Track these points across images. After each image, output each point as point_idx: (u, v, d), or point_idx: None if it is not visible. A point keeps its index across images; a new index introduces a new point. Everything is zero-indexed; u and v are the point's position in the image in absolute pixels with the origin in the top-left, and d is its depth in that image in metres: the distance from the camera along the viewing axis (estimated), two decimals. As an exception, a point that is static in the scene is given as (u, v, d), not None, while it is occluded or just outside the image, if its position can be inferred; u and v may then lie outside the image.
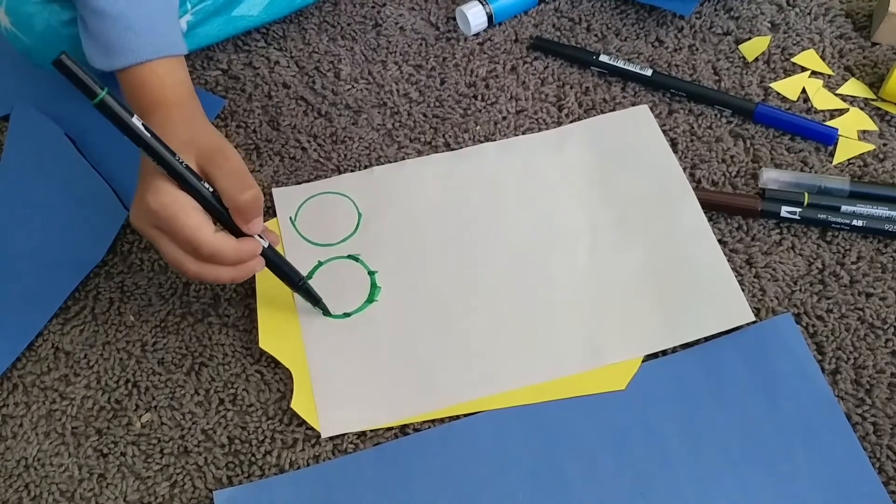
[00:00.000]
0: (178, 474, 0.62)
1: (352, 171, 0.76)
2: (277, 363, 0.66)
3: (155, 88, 0.63)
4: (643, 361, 0.64)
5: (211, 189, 0.57)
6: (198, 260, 0.57)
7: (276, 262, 0.63)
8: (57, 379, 0.67)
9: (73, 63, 0.51)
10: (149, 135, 0.55)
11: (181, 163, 0.56)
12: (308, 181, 0.76)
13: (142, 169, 0.59)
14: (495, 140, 0.78)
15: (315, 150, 0.78)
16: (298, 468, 0.61)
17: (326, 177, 0.76)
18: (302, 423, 0.63)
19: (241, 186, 0.57)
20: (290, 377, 0.65)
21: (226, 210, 0.58)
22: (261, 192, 0.58)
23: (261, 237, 0.60)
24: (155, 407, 0.65)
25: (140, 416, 0.65)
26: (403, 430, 0.63)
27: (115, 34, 0.63)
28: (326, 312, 0.67)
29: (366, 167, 0.77)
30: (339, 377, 0.65)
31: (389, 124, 0.79)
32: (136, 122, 0.54)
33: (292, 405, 0.63)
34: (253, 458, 0.62)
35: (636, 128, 0.78)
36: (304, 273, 0.68)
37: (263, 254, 0.61)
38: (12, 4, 0.69)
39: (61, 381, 0.67)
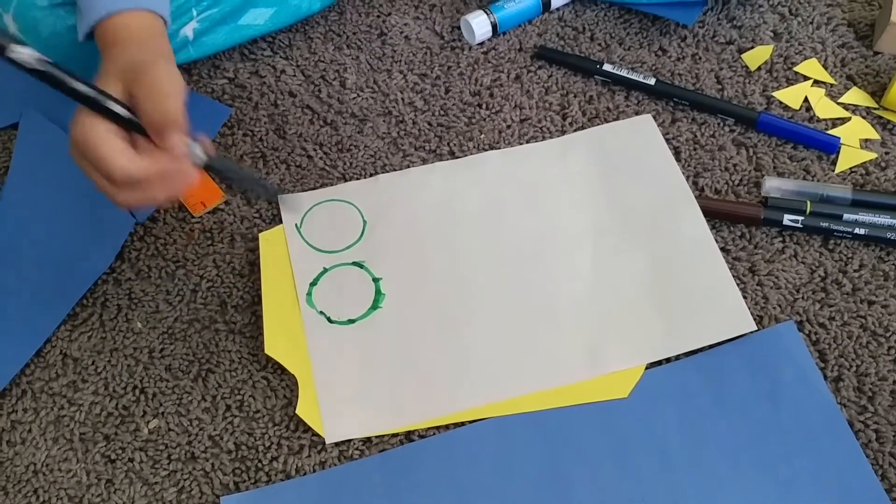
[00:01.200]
0: (185, 480, 0.62)
1: (357, 178, 0.77)
2: (284, 370, 0.66)
3: (122, 37, 0.60)
4: (645, 369, 0.65)
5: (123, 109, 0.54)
6: (120, 187, 0.54)
7: (216, 167, 0.57)
8: (65, 385, 0.67)
9: None
10: (47, 67, 0.52)
11: (84, 84, 0.53)
12: (314, 189, 0.76)
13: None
14: (500, 148, 0.78)
15: (321, 158, 0.79)
16: (304, 474, 0.62)
17: (332, 184, 0.77)
18: (308, 429, 0.64)
19: (155, 102, 0.53)
20: (297, 383, 0.65)
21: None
22: (178, 106, 0.54)
23: (194, 150, 0.56)
24: (162, 413, 0.65)
25: (147, 423, 0.65)
26: (408, 436, 0.63)
27: None
28: (273, 196, 0.60)
29: (371, 175, 0.77)
30: (343, 383, 0.65)
31: (394, 132, 0.80)
32: (25, 50, 0.52)
33: (297, 411, 0.64)
34: (259, 464, 0.63)
35: (639, 137, 0.78)
36: (311, 279, 0.68)
37: (206, 164, 0.56)
38: (20, 10, 0.70)
39: (69, 388, 0.67)
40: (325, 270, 0.71)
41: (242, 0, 0.81)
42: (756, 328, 0.66)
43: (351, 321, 0.68)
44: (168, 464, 0.63)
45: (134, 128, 0.55)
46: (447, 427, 0.63)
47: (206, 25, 0.80)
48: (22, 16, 0.70)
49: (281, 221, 0.74)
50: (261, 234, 0.73)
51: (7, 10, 0.70)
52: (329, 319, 0.68)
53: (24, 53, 0.51)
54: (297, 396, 0.65)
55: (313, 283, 0.70)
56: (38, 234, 0.74)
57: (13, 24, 0.71)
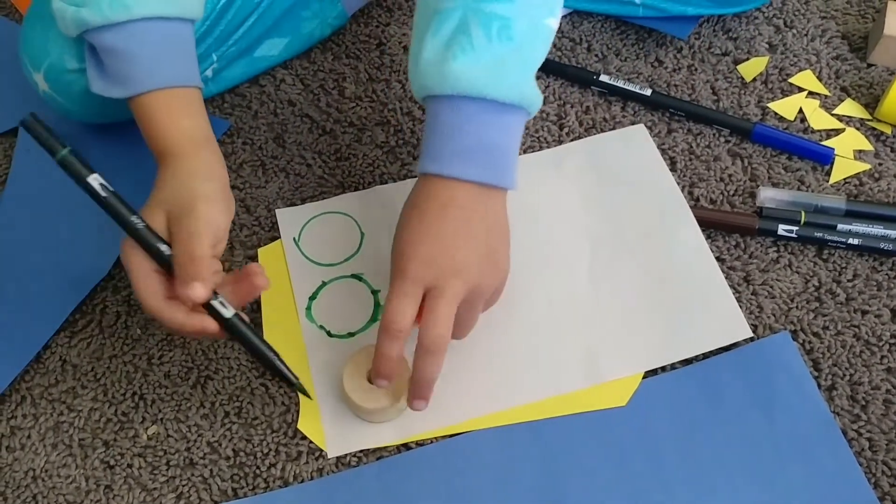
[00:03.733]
0: (183, 486, 0.63)
1: (356, 187, 0.77)
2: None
3: (163, 124, 0.62)
4: (643, 378, 0.65)
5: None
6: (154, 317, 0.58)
7: (234, 331, 0.58)
8: (64, 391, 0.68)
9: (36, 123, 0.56)
10: (105, 193, 0.57)
11: (139, 223, 0.57)
12: (312, 197, 0.77)
13: None
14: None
15: (320, 166, 0.79)
16: (302, 481, 0.62)
17: (331, 193, 0.77)
18: (306, 436, 0.64)
19: (186, 249, 0.56)
20: (296, 394, 0.66)
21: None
22: (207, 256, 0.57)
23: (223, 304, 0.58)
24: (161, 419, 0.66)
25: (146, 429, 0.66)
26: (406, 444, 0.63)
27: (125, 66, 0.63)
28: (304, 392, 0.62)
29: (369, 184, 0.78)
30: (343, 400, 0.65)
31: (392, 142, 0.81)
32: (94, 180, 0.57)
33: (299, 426, 0.64)
34: (258, 471, 0.63)
35: (633, 146, 0.79)
36: (310, 293, 0.69)
37: (227, 324, 0.58)
38: (52, 73, 0.71)
39: (69, 394, 0.67)
40: (324, 284, 0.71)
41: (258, 34, 0.81)
42: (752, 334, 0.67)
43: (351, 334, 0.68)
44: (167, 470, 0.64)
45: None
46: (445, 436, 0.64)
47: (224, 63, 0.81)
48: (55, 79, 0.71)
49: (279, 235, 0.75)
50: (259, 250, 0.73)
51: (38, 69, 0.71)
52: (329, 333, 0.68)
53: (96, 183, 0.57)
54: (296, 403, 0.65)
55: (312, 298, 0.70)
56: (37, 240, 0.75)
57: (43, 82, 0.72)
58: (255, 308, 0.70)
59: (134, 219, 0.57)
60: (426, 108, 0.61)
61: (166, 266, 0.58)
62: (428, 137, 0.60)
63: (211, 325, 0.57)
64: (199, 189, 0.59)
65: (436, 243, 0.58)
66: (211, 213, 0.58)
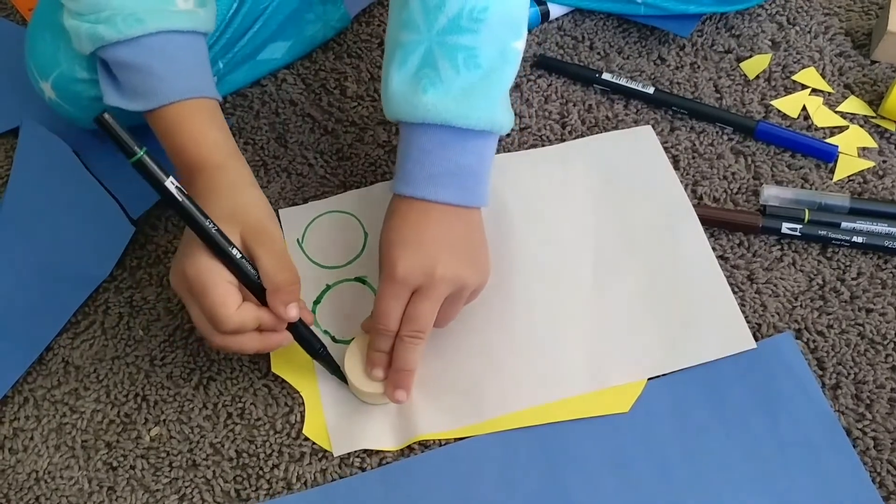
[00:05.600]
0: (186, 487, 0.63)
1: (358, 187, 0.77)
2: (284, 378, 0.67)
3: (192, 135, 0.63)
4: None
5: (247, 264, 0.59)
6: (222, 334, 0.58)
7: (302, 335, 0.63)
8: (67, 393, 0.67)
9: (113, 123, 0.55)
10: (183, 199, 0.57)
11: (212, 227, 0.57)
12: (315, 197, 0.77)
13: (186, 230, 0.60)
14: (499, 157, 0.78)
15: (321, 166, 0.79)
16: (306, 482, 0.62)
17: (333, 193, 0.77)
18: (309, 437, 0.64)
19: (282, 268, 0.59)
20: (298, 393, 0.66)
21: (262, 289, 0.59)
22: (299, 278, 0.60)
23: (307, 327, 0.62)
24: (164, 421, 0.66)
25: (149, 430, 0.65)
26: (410, 448, 0.63)
27: (143, 80, 0.63)
28: (343, 380, 0.65)
29: (371, 183, 0.78)
30: (350, 401, 0.65)
31: (394, 141, 0.81)
32: (171, 184, 0.56)
33: (304, 431, 0.64)
34: (261, 472, 0.63)
35: (639, 148, 0.78)
36: (314, 298, 0.69)
37: (291, 326, 0.61)
38: (61, 83, 0.71)
39: (71, 395, 0.67)
40: (328, 287, 0.71)
41: (262, 39, 0.81)
42: (755, 346, 0.66)
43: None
44: (169, 471, 0.63)
45: (253, 288, 0.59)
46: (449, 441, 0.64)
47: (228, 68, 0.81)
48: (63, 88, 0.71)
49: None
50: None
51: (46, 78, 0.71)
52: (334, 339, 0.68)
53: (172, 187, 0.56)
54: (299, 404, 0.65)
55: (316, 302, 0.70)
56: (39, 241, 0.75)
57: (51, 91, 0.72)
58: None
59: (208, 223, 0.57)
60: (399, 128, 0.63)
61: (236, 270, 0.58)
62: (401, 160, 0.63)
63: (288, 338, 0.61)
64: (260, 201, 0.62)
65: (421, 247, 0.60)
66: (280, 232, 0.61)
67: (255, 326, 0.59)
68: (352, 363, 0.64)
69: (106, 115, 0.55)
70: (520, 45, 0.62)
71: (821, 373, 0.65)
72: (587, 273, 0.71)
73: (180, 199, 0.56)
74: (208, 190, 0.61)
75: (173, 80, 0.63)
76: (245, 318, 0.58)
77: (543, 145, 0.79)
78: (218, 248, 0.57)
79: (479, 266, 0.64)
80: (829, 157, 0.77)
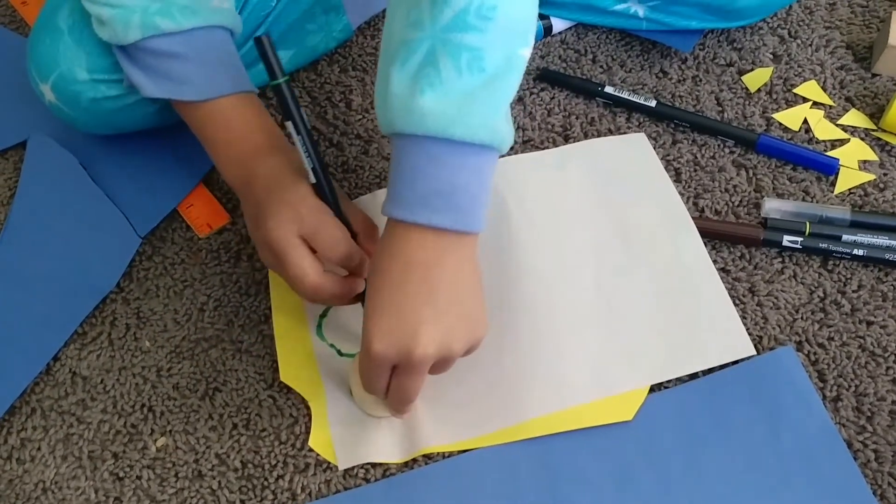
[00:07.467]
0: (192, 498, 0.63)
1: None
2: (290, 389, 0.67)
3: (248, 126, 0.66)
4: (648, 393, 0.65)
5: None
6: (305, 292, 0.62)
7: None
8: (74, 403, 0.68)
9: (270, 47, 0.58)
10: (303, 133, 0.60)
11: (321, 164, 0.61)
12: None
13: (266, 184, 0.63)
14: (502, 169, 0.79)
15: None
16: (311, 493, 0.63)
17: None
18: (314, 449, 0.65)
19: (365, 217, 0.66)
20: (303, 402, 0.66)
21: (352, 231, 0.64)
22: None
23: None
24: (170, 431, 0.66)
25: (155, 441, 0.66)
26: (414, 459, 0.64)
27: (191, 71, 0.65)
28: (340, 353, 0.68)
29: (376, 196, 0.78)
30: (354, 413, 0.66)
31: (399, 153, 0.81)
32: (304, 114, 0.61)
33: (310, 443, 0.65)
34: (266, 483, 0.63)
35: (633, 154, 0.79)
36: (320, 311, 0.69)
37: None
38: (60, 84, 0.71)
39: (78, 406, 0.68)
40: None
41: None
42: (755, 352, 0.67)
43: None
44: (175, 482, 0.64)
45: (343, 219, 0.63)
46: (453, 453, 0.64)
47: None
48: (63, 89, 0.72)
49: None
50: (271, 269, 0.74)
51: (46, 80, 0.72)
52: (339, 353, 0.68)
53: (298, 119, 0.60)
54: (304, 415, 0.66)
55: (323, 316, 0.70)
56: (46, 252, 0.75)
57: (50, 93, 0.72)
58: (263, 320, 0.71)
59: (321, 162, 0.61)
60: (392, 144, 0.58)
61: (338, 214, 0.63)
62: (393, 179, 0.57)
63: (360, 285, 0.64)
64: (304, 191, 0.63)
65: (400, 317, 0.56)
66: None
67: (333, 290, 0.62)
68: (356, 377, 0.64)
69: (265, 37, 0.57)
70: (526, 53, 0.58)
71: (822, 385, 0.66)
72: (588, 281, 0.71)
73: (306, 133, 0.60)
74: (277, 169, 0.64)
75: (224, 72, 0.66)
76: (321, 284, 0.61)
77: (546, 158, 0.80)
78: (325, 185, 0.62)
79: (468, 325, 0.58)
80: (830, 170, 0.77)
